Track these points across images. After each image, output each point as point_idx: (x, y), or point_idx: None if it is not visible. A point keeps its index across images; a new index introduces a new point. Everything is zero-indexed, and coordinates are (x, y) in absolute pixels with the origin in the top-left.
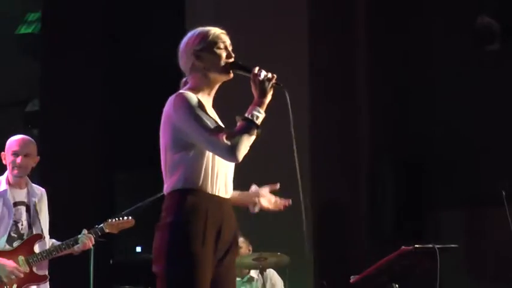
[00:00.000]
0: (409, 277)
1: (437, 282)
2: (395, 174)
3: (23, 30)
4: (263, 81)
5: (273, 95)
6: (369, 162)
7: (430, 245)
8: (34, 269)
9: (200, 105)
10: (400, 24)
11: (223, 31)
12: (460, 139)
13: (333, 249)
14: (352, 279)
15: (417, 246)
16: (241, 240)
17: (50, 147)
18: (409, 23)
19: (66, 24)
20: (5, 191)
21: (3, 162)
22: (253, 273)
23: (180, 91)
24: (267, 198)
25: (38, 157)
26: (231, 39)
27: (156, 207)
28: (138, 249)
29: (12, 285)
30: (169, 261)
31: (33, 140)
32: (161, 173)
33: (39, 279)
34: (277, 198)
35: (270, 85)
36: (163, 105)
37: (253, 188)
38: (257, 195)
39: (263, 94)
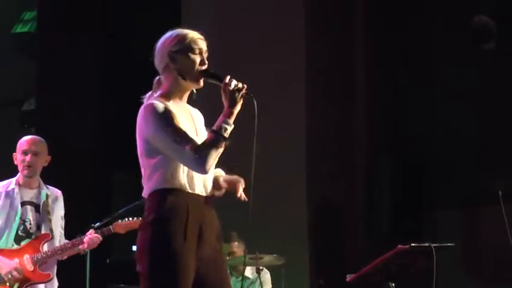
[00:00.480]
0: (405, 276)
1: (434, 281)
2: (392, 174)
3: (19, 29)
4: (233, 91)
5: (265, 92)
6: (366, 162)
7: (427, 244)
8: (38, 268)
9: (169, 115)
10: (400, 23)
11: (201, 36)
12: (458, 139)
13: (330, 248)
14: (349, 277)
15: (413, 245)
16: (235, 244)
17: (47, 146)
18: (409, 22)
19: (62, 23)
20: (13, 190)
21: (15, 162)
22: (248, 272)
23: (150, 101)
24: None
25: (49, 156)
26: (227, 39)
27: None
28: (134, 248)
29: (14, 283)
30: (151, 260)
31: (43, 139)
32: None
33: (42, 278)
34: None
35: (240, 95)
36: None
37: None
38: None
39: (233, 104)
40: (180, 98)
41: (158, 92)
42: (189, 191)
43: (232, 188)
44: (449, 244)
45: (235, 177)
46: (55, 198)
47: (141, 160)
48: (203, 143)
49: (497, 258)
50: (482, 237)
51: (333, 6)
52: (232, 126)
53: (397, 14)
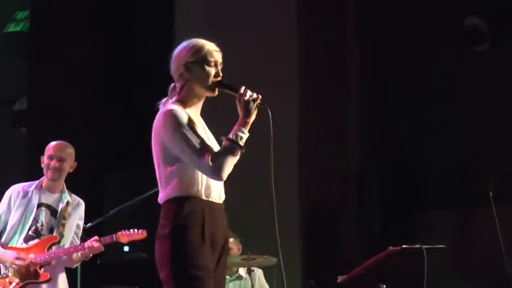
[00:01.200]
0: (396, 277)
1: (425, 282)
2: (383, 175)
3: (12, 28)
4: (248, 101)
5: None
6: (358, 163)
7: (418, 246)
8: (40, 269)
9: (188, 122)
10: (391, 26)
11: (217, 49)
12: (448, 140)
13: (321, 249)
14: (340, 279)
15: (404, 246)
16: (231, 241)
17: (38, 146)
18: (400, 24)
19: (54, 22)
20: (32, 191)
21: (42, 165)
22: (242, 272)
23: (169, 107)
24: None
25: (75, 163)
26: (219, 39)
27: (144, 207)
28: (126, 248)
29: (14, 279)
30: (176, 268)
31: (70, 145)
32: (150, 172)
33: (41, 278)
34: None
35: (255, 105)
36: (152, 105)
37: None
38: None
39: (248, 114)
40: (196, 106)
41: (174, 98)
42: (204, 198)
43: None
44: (440, 246)
45: None
46: (76, 205)
47: (158, 166)
48: (220, 151)
49: (488, 259)
50: (474, 238)
51: (325, 9)
52: (247, 135)
53: (389, 17)
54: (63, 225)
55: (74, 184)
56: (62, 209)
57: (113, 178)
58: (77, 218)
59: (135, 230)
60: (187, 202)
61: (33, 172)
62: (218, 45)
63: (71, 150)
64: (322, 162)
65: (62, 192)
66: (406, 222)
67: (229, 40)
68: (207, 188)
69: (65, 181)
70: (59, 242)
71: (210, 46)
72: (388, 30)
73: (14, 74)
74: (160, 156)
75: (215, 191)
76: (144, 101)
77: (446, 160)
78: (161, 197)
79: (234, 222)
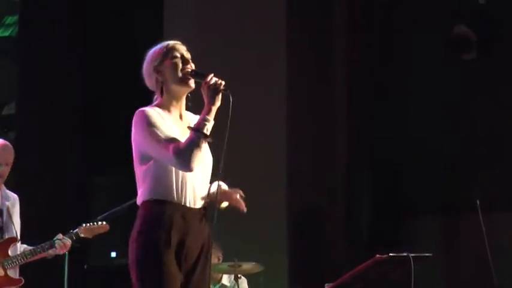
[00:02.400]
0: (383, 285)
1: None
2: (371, 182)
3: (1, 33)
4: (211, 88)
5: (245, 96)
6: (346, 170)
7: (405, 254)
8: (9, 273)
9: (155, 118)
10: (379, 32)
11: (177, 42)
12: (436, 148)
13: (308, 256)
14: (327, 286)
15: (391, 254)
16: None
17: (26, 150)
18: (388, 31)
19: (44, 27)
20: None
21: None
22: (225, 280)
23: (141, 108)
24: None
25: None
26: (208, 42)
27: (132, 212)
28: (113, 254)
29: None
30: (138, 270)
31: (6, 144)
32: None
33: (14, 283)
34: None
35: (218, 91)
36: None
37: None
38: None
39: (211, 101)
40: (176, 107)
41: (153, 104)
42: (176, 201)
43: (228, 199)
44: (426, 254)
45: (231, 190)
46: (14, 202)
47: (135, 167)
48: (184, 142)
49: (474, 266)
50: (460, 246)
51: (314, 8)
52: (212, 122)
53: (377, 21)
54: (13, 224)
55: (62, 188)
56: (6, 207)
57: (103, 182)
58: (17, 214)
59: (96, 223)
60: (157, 205)
61: (22, 176)
62: (203, 46)
63: (9, 151)
64: (309, 169)
65: (1, 190)
66: (395, 229)
67: (216, 41)
68: (180, 191)
69: (53, 186)
70: (18, 241)
71: (169, 42)
72: (376, 35)
73: (2, 79)
74: (135, 155)
75: (190, 195)
76: (134, 104)
77: (434, 167)
78: (138, 198)
79: (218, 229)
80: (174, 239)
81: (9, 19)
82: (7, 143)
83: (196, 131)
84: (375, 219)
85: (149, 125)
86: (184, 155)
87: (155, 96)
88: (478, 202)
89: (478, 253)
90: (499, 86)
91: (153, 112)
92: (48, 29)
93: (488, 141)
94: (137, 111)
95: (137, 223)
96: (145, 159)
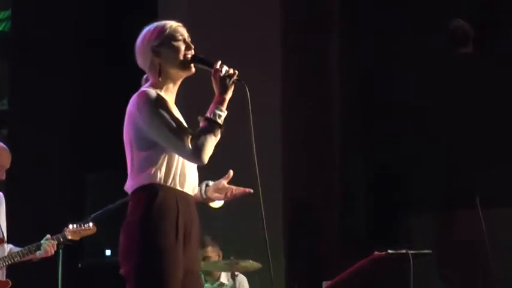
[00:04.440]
0: (382, 282)
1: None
2: (368, 178)
3: None
4: (224, 77)
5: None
6: (342, 166)
7: (404, 251)
8: None
9: (163, 103)
10: (375, 26)
11: (179, 23)
12: (435, 143)
13: (305, 253)
14: (325, 284)
15: (390, 251)
16: (209, 249)
17: (19, 147)
18: (383, 25)
19: (36, 23)
20: None
21: None
22: (224, 278)
23: (142, 89)
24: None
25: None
26: (203, 37)
27: (125, 210)
28: (108, 252)
29: None
30: (142, 258)
31: (6, 149)
32: None
33: (1, 285)
34: (233, 188)
35: (231, 81)
36: None
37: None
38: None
39: (224, 91)
40: (171, 91)
41: (147, 83)
42: (179, 188)
43: (225, 192)
44: (426, 251)
45: (221, 181)
46: (0, 200)
47: (130, 152)
48: (199, 132)
49: (474, 263)
50: (460, 243)
51: (310, 9)
52: (226, 113)
53: (372, 17)
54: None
55: (54, 185)
56: None
57: (96, 179)
58: (4, 213)
59: (82, 225)
60: (161, 190)
61: (13, 174)
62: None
63: (3, 156)
64: (305, 165)
65: None
66: (393, 225)
67: (210, 40)
68: (182, 178)
69: (45, 183)
70: (5, 242)
71: (171, 23)
72: (371, 27)
73: None
74: (134, 140)
75: (190, 182)
76: (126, 101)
77: (432, 162)
78: (132, 185)
79: (216, 226)
80: (181, 225)
81: (1, 14)
82: (4, 146)
83: (211, 121)
84: (372, 215)
85: (158, 109)
86: (199, 147)
87: (145, 76)
88: (478, 198)
89: (477, 250)
90: (497, 81)
91: (158, 94)
92: (40, 24)
93: (487, 135)
94: (140, 93)
95: (136, 208)
96: (147, 144)
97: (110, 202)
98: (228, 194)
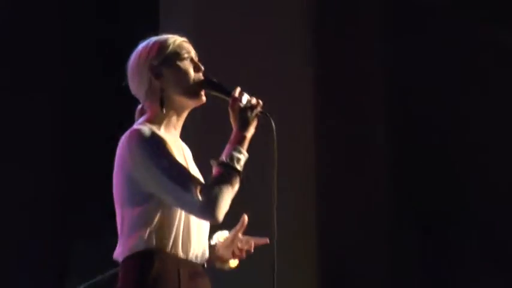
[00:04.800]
0: None
1: None
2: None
3: None
4: (245, 108)
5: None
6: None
7: None
8: None
9: (163, 144)
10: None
11: (184, 39)
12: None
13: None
14: None
15: None
16: None
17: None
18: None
19: (25, 21)
20: None
21: None
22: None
23: (135, 126)
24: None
25: None
26: (215, 50)
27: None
28: None
29: None
30: None
31: None
32: None
33: None
34: (251, 241)
35: (254, 114)
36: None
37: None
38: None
39: (245, 126)
40: (175, 127)
41: (142, 118)
42: (181, 255)
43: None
44: None
45: (235, 232)
46: None
47: (120, 209)
48: (212, 181)
49: None
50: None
51: (339, 12)
52: (247, 155)
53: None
54: None
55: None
56: None
57: (82, 247)
58: None
59: None
60: (158, 258)
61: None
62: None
63: None
64: (343, 207)
65: None
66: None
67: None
68: (186, 242)
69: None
70: None
71: (175, 38)
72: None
73: None
74: (126, 193)
75: (197, 248)
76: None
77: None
78: (121, 251)
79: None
80: None
81: None
82: None
83: (228, 166)
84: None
85: (154, 152)
86: (212, 200)
87: (139, 106)
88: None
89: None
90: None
91: (154, 132)
92: (30, 28)
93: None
94: (132, 132)
95: (130, 280)
96: (140, 199)
97: (99, 273)
98: (244, 250)
